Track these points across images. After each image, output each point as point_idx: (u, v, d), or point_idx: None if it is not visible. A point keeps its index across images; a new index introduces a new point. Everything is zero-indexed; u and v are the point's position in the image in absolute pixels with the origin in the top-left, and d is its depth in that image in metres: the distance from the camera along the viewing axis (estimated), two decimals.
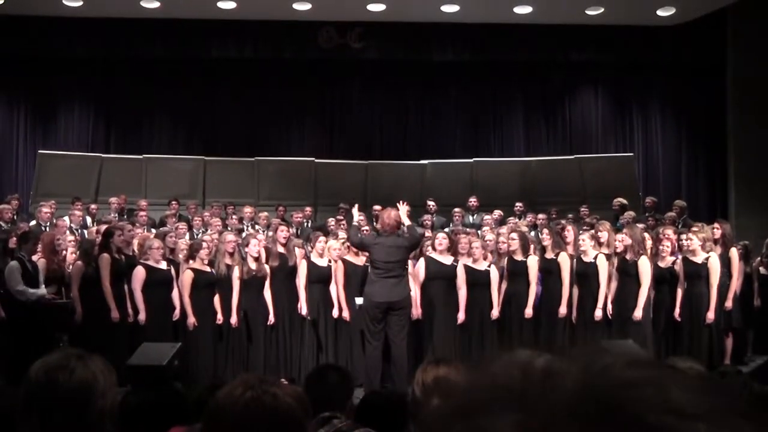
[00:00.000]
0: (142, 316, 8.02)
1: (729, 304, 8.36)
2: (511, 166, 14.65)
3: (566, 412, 0.48)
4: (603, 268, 8.18)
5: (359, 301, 7.94)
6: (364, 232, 8.83)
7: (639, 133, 15.79)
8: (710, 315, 7.96)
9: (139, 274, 8.11)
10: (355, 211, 8.87)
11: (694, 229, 8.40)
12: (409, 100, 16.02)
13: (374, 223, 9.82)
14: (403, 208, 8.11)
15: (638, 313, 7.92)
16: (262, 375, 1.16)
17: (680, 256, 8.40)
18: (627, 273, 8.11)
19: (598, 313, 8.13)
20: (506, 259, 8.62)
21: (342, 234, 9.89)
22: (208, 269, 8.30)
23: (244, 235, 9.41)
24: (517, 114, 16.06)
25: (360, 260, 8.32)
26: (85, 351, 2.01)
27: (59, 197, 12.28)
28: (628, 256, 8.15)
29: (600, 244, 8.43)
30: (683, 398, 0.48)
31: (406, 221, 7.93)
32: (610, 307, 8.16)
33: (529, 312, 8.33)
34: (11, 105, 15.09)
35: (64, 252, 8.95)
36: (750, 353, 9.44)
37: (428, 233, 9.89)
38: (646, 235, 8.71)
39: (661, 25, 14.70)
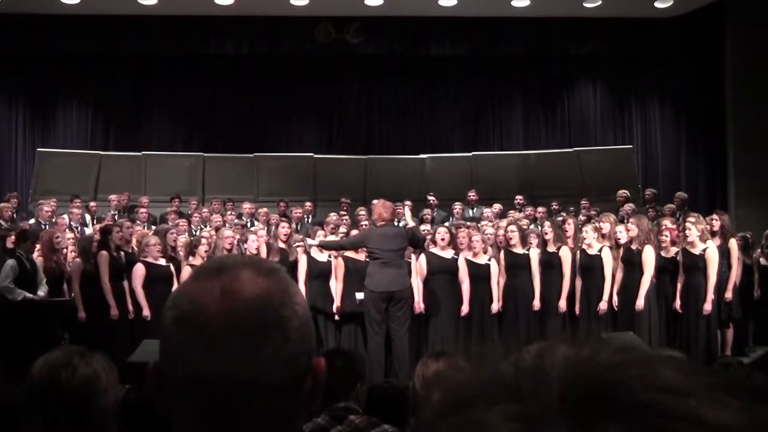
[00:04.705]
0: (146, 312, 8.02)
1: (729, 295, 8.36)
2: (510, 160, 14.65)
3: (557, 399, 0.48)
4: (608, 260, 8.20)
5: (360, 296, 7.94)
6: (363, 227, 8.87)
7: (638, 125, 15.80)
8: (707, 306, 7.95)
9: (139, 271, 8.12)
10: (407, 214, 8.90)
11: (691, 219, 8.37)
12: (408, 94, 16.01)
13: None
14: (407, 212, 8.28)
15: (640, 302, 7.93)
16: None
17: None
18: (632, 263, 8.11)
19: (603, 306, 8.14)
20: (503, 252, 8.63)
21: (343, 228, 9.92)
22: None
23: (247, 228, 9.40)
24: (516, 107, 16.06)
25: (361, 256, 8.31)
26: (86, 348, 2.01)
27: (58, 195, 12.26)
28: (633, 247, 8.15)
29: (603, 236, 8.43)
30: (672, 377, 0.49)
31: (411, 223, 8.06)
32: (615, 299, 8.18)
33: (537, 304, 8.35)
34: (10, 103, 15.09)
35: (64, 250, 8.94)
36: (751, 344, 9.45)
37: (428, 228, 9.90)
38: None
39: (659, 17, 14.69)
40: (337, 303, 8.30)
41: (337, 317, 8.27)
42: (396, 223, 8.94)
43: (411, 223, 8.13)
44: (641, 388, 0.48)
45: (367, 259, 8.15)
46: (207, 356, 0.87)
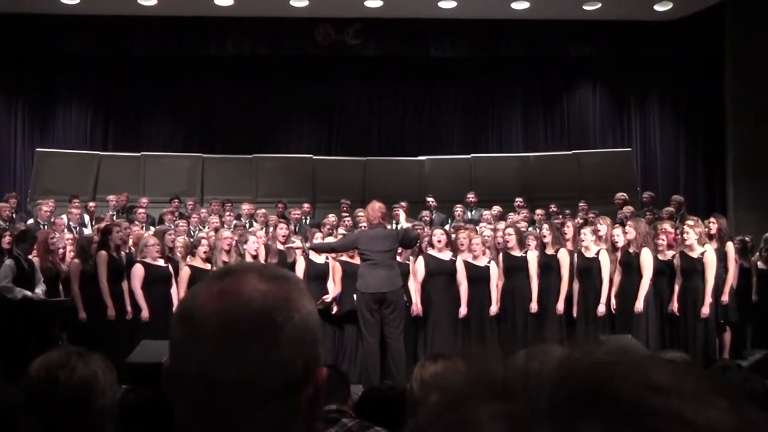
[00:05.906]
0: (145, 313, 8.02)
1: (725, 298, 8.37)
2: (509, 162, 14.65)
3: (545, 397, 0.49)
4: (605, 262, 8.20)
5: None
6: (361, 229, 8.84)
7: (637, 128, 15.80)
8: (705, 310, 7.96)
9: (138, 271, 8.12)
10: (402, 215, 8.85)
11: (690, 222, 8.38)
12: (407, 96, 16.01)
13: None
14: (402, 214, 8.26)
15: (639, 305, 7.93)
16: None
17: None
18: (630, 266, 8.12)
19: (602, 309, 8.15)
20: (502, 254, 8.63)
21: (342, 230, 9.92)
22: (207, 266, 8.29)
23: (247, 230, 9.39)
24: (515, 109, 16.06)
25: (356, 260, 8.30)
26: (84, 349, 2.01)
27: (57, 195, 12.25)
28: (631, 249, 8.16)
29: (599, 239, 8.44)
30: (659, 376, 0.49)
31: (404, 224, 8.04)
32: (613, 301, 8.18)
33: (534, 306, 8.35)
34: (9, 103, 15.07)
35: (60, 250, 8.93)
36: (749, 347, 9.46)
37: (427, 230, 9.90)
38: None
39: (659, 20, 14.70)
40: (326, 299, 8.22)
41: (334, 309, 8.23)
42: (395, 224, 8.93)
43: (405, 225, 8.12)
44: (626, 387, 0.48)
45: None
46: (197, 353, 0.89)
